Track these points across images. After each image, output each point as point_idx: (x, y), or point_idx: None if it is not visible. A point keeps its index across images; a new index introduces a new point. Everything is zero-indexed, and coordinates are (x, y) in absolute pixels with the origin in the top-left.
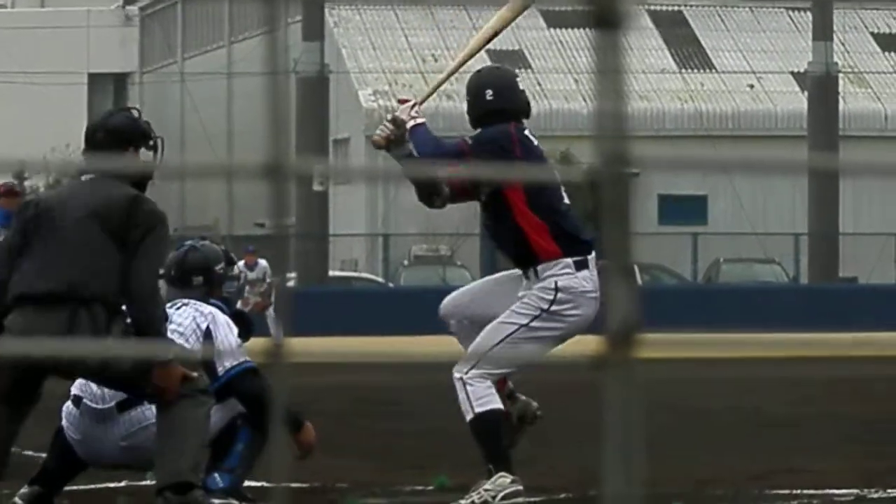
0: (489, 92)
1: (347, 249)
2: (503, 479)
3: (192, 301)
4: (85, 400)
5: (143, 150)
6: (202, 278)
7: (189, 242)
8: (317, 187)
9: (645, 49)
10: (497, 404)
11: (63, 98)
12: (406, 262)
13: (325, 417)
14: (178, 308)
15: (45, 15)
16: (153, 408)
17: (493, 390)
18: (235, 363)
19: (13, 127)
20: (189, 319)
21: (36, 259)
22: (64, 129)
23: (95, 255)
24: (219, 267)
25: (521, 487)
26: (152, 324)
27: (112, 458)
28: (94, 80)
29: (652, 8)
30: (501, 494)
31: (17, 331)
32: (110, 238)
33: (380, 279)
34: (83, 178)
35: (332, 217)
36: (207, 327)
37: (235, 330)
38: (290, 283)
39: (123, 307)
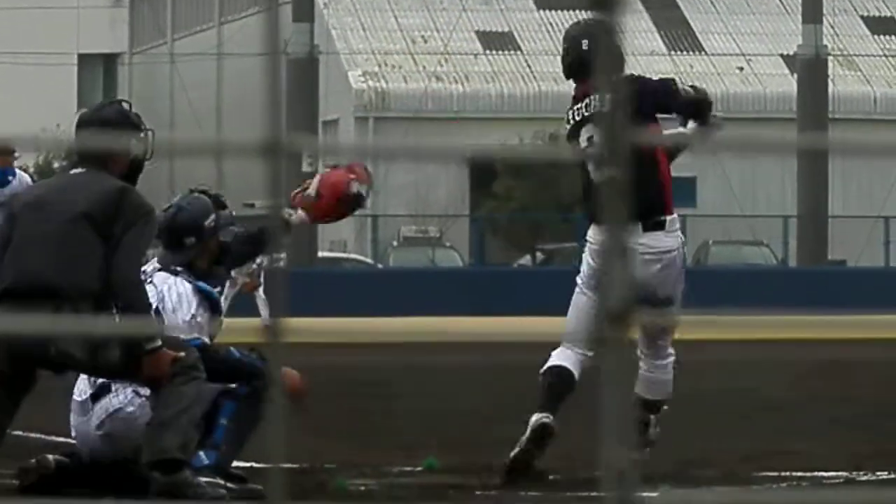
0: (585, 42)
1: (336, 230)
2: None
3: (157, 275)
4: (74, 395)
5: (133, 142)
6: (194, 238)
7: (176, 201)
8: (306, 168)
9: (634, 31)
10: (555, 360)
11: (53, 79)
12: (395, 243)
13: (313, 398)
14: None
15: None
16: (121, 395)
17: (563, 353)
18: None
19: (2, 108)
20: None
21: (22, 254)
22: (54, 109)
23: (82, 251)
24: (209, 221)
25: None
26: (139, 315)
27: (97, 450)
28: (84, 60)
29: None
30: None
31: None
32: (96, 233)
33: (369, 260)
34: (72, 171)
35: None
36: (156, 308)
37: (194, 304)
38: (280, 264)
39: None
